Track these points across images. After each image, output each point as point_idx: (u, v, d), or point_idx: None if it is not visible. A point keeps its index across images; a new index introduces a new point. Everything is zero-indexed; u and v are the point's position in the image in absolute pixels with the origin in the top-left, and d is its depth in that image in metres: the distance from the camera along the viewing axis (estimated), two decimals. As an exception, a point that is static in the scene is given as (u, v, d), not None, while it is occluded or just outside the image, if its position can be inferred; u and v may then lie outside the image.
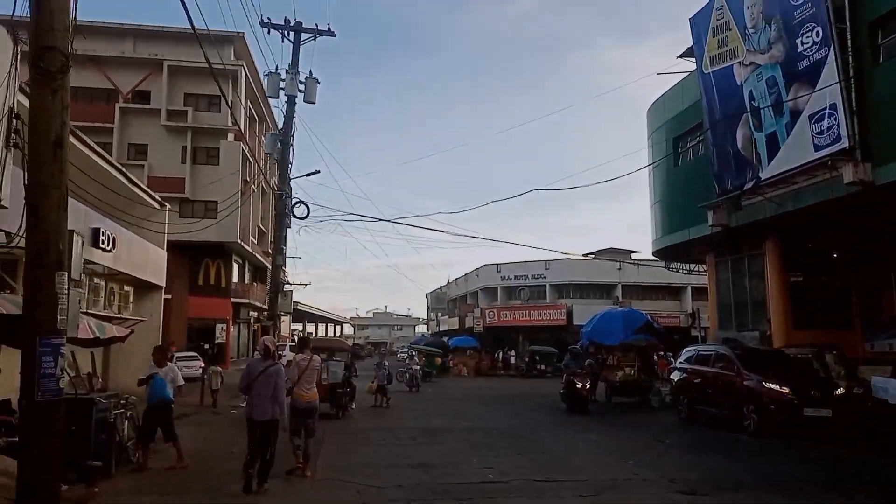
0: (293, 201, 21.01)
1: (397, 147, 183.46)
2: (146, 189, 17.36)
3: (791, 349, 15.14)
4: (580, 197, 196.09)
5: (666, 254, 22.89)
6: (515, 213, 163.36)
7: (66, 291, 5.60)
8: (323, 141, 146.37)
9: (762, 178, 15.30)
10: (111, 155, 19.35)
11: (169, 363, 9.15)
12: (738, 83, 16.36)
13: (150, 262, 17.16)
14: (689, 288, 44.36)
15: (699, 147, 19.51)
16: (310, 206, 20.83)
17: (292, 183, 21.07)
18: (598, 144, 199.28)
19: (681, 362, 15.70)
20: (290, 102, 20.44)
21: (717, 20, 17.03)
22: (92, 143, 14.12)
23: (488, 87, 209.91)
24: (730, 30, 16.56)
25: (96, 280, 15.16)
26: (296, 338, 44.48)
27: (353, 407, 16.79)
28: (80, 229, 12.38)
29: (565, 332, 45.65)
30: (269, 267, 25.28)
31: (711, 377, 13.82)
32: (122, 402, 8.68)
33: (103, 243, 13.35)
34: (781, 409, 11.83)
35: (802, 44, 13.90)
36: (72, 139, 13.94)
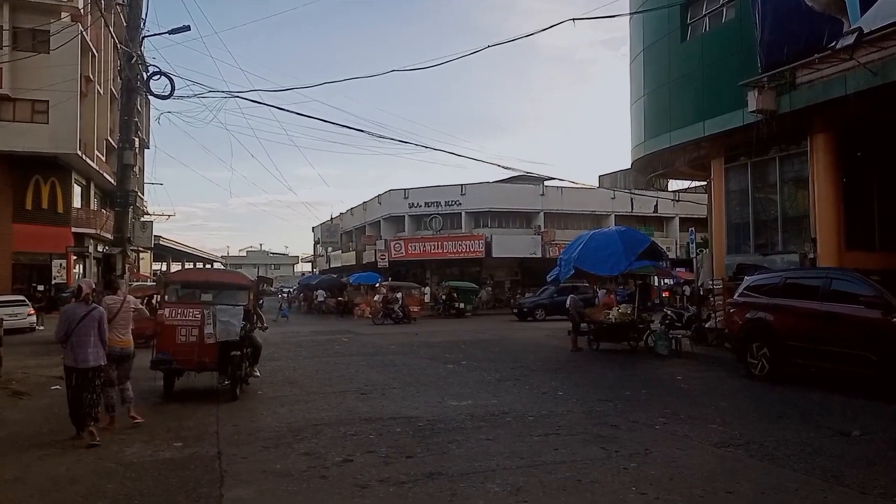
0: (150, 71, 14.06)
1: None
2: None
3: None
4: (458, 137, 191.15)
5: (649, 164, 18.38)
6: (402, 148, 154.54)
7: None
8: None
9: (865, 31, 10.74)
10: None
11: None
12: None
13: None
14: (613, 216, 41.31)
15: (723, 12, 14.79)
16: (174, 78, 13.76)
17: (152, 47, 14.09)
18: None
19: (744, 296, 11.17)
20: (141, -86, 13.26)
21: None
22: None
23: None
24: None
25: None
26: (154, 278, 36.46)
27: (258, 374, 10.98)
28: None
29: (480, 266, 41.52)
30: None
31: (828, 317, 9.33)
32: None
33: None
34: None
35: None
36: None
